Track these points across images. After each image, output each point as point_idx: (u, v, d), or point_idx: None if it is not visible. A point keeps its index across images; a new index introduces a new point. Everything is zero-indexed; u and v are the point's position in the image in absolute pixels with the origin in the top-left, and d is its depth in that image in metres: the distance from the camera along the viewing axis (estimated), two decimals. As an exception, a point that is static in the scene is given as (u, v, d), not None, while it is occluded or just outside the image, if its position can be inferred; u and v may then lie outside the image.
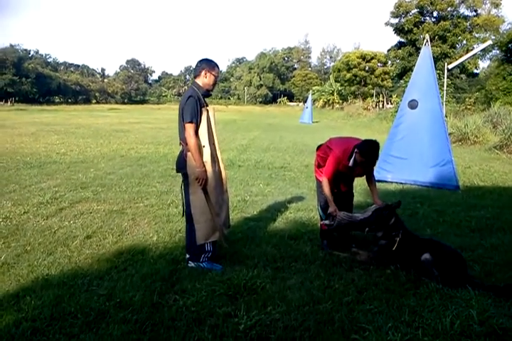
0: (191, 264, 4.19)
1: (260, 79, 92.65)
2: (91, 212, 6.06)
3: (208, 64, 4.22)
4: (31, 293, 3.53)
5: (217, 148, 4.29)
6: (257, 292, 3.59)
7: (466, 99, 29.63)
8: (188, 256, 4.26)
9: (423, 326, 3.05)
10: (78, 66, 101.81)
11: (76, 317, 3.15)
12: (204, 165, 4.03)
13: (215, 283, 3.70)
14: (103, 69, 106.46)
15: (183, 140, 4.10)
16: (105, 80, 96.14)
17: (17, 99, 66.36)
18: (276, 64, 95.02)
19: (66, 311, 3.21)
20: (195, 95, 4.08)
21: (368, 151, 4.39)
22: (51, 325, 3.03)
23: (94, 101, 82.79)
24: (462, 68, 40.05)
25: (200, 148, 4.03)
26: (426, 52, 8.62)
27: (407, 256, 4.13)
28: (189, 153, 4.03)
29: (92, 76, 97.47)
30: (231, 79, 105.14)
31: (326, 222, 4.58)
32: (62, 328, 3.00)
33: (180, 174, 4.29)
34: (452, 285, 3.71)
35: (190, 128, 3.99)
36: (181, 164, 4.16)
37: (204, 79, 4.20)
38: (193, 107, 4.01)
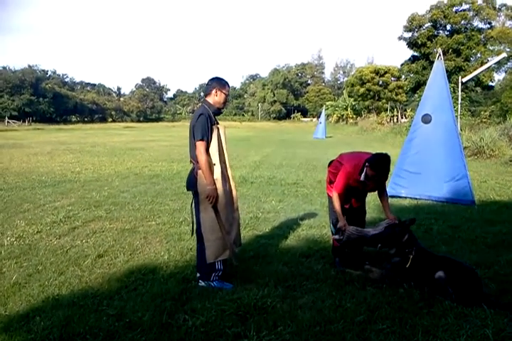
0: (202, 283, 4.16)
1: (274, 95, 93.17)
2: (103, 231, 6.08)
3: (218, 82, 4.25)
4: (41, 313, 3.52)
5: (227, 166, 4.28)
6: (267, 311, 3.54)
7: (482, 112, 29.36)
8: (198, 275, 4.23)
9: (437, 347, 2.98)
10: (94, 85, 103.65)
11: (85, 337, 3.13)
12: (214, 183, 4.03)
13: (225, 303, 3.66)
14: (119, 88, 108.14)
15: (194, 158, 4.11)
16: (121, 99, 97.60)
17: (34, 118, 67.60)
18: (289, 80, 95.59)
19: (75, 332, 3.20)
20: (206, 113, 4.10)
21: (378, 164, 4.35)
22: (60, 346, 3.02)
23: (110, 119, 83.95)
24: (477, 81, 39.89)
25: (210, 165, 4.03)
26: (439, 65, 8.59)
27: (421, 274, 4.06)
28: (200, 171, 4.04)
29: (108, 95, 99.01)
30: (245, 96, 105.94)
31: (336, 236, 4.53)
32: (71, 349, 2.98)
33: (191, 192, 4.28)
34: (467, 304, 3.63)
35: (201, 145, 4.00)
36: (192, 182, 4.16)
37: (215, 98, 4.22)
38: (204, 125, 4.02)
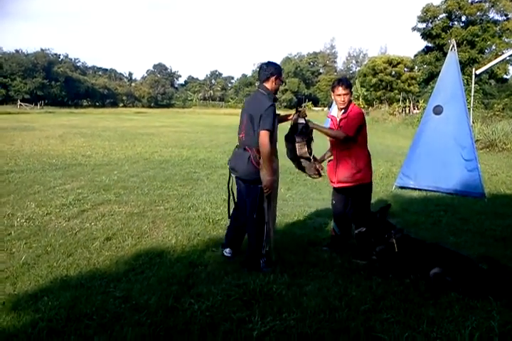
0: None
1: (285, 83, 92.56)
2: (112, 214, 6.12)
3: (277, 69, 4.21)
4: (49, 293, 3.57)
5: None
6: (272, 298, 3.55)
7: (495, 105, 29.06)
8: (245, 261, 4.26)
9: (441, 337, 2.98)
10: (106, 70, 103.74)
11: (92, 318, 3.17)
12: (274, 174, 4.07)
13: (230, 288, 3.69)
14: (130, 74, 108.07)
15: (251, 146, 4.10)
16: (132, 84, 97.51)
17: (46, 102, 67.75)
18: (301, 69, 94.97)
19: (82, 312, 3.23)
20: (274, 103, 4.07)
21: (337, 81, 4.71)
22: (67, 326, 3.06)
23: (121, 104, 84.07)
24: (491, 73, 39.35)
25: (272, 156, 4.04)
26: (452, 57, 8.47)
27: (415, 266, 4.06)
28: (261, 161, 4.03)
29: (120, 80, 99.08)
30: (256, 84, 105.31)
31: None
32: (78, 329, 3.02)
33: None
34: (469, 291, 3.65)
35: (266, 136, 3.98)
36: (251, 171, 4.10)
37: (273, 85, 4.21)
38: (273, 115, 4.02)
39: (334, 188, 4.93)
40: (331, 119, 4.93)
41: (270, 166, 4.01)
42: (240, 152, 4.21)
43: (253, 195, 4.15)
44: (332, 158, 4.89)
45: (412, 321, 3.21)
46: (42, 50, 76.00)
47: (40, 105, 62.72)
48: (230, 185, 4.49)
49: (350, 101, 4.72)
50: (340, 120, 4.70)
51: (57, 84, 70.57)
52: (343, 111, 4.70)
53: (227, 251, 4.53)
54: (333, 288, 3.79)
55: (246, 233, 4.43)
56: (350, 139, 4.57)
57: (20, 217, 5.82)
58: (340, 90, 4.61)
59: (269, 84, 4.19)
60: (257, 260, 4.19)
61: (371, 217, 4.40)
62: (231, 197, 4.56)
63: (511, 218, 6.35)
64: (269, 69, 4.18)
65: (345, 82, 4.70)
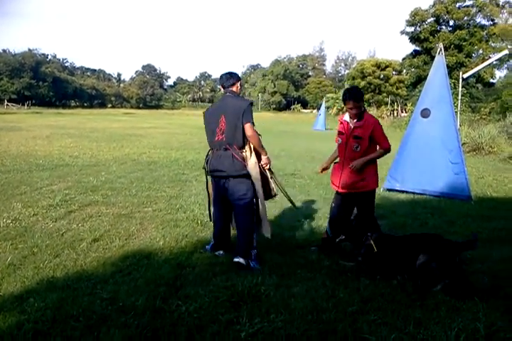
0: (240, 260, 4.27)
1: (274, 86, 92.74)
2: (99, 216, 6.08)
3: (239, 77, 4.75)
4: (35, 294, 3.53)
5: None
6: (260, 299, 3.55)
7: (482, 109, 29.39)
8: (238, 251, 4.40)
9: (428, 338, 3.00)
10: (95, 71, 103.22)
11: (78, 320, 3.14)
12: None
13: (218, 290, 3.68)
14: (119, 74, 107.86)
15: (231, 144, 4.41)
16: (121, 85, 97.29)
17: (34, 102, 67.37)
18: (290, 71, 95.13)
19: (68, 314, 3.21)
20: (252, 102, 4.63)
21: (346, 94, 4.71)
22: (53, 328, 3.03)
23: (109, 105, 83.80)
24: (478, 77, 39.83)
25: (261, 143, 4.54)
26: (440, 60, 8.54)
27: (401, 260, 4.13)
28: (244, 154, 4.43)
29: (108, 81, 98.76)
30: (245, 86, 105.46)
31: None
32: (64, 331, 2.99)
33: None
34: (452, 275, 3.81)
35: (252, 127, 4.39)
36: (237, 167, 4.40)
37: (238, 89, 4.68)
38: (252, 111, 4.48)
39: (337, 192, 4.97)
40: (342, 123, 4.91)
41: (263, 148, 4.57)
42: (221, 153, 4.45)
43: (244, 189, 4.43)
44: (338, 160, 4.97)
45: (399, 322, 3.22)
46: (29, 49, 75.64)
47: (28, 105, 62.31)
48: (209, 188, 4.83)
49: (364, 110, 4.78)
50: (355, 128, 4.72)
51: (44, 85, 70.17)
52: (356, 119, 4.73)
53: (220, 253, 4.68)
54: (320, 289, 3.79)
55: (230, 231, 4.82)
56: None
57: (6, 217, 5.76)
58: (350, 104, 4.67)
59: (235, 89, 4.64)
60: (248, 252, 4.37)
61: (347, 225, 4.56)
62: (211, 200, 4.85)
63: (497, 220, 6.42)
64: (235, 77, 4.67)
65: (354, 95, 4.71)
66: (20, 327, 3.01)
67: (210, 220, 4.93)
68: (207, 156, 4.67)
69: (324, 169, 5.19)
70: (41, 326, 3.04)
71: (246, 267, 4.24)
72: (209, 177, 4.73)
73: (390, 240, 4.37)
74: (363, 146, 4.71)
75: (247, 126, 4.34)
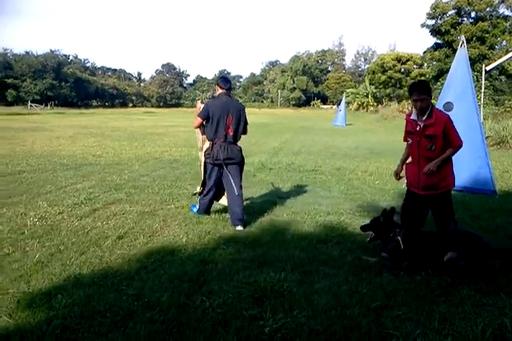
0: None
1: (294, 82, 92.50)
2: (123, 213, 6.16)
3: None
4: (63, 291, 3.61)
5: None
6: (283, 295, 3.57)
7: (506, 102, 28.75)
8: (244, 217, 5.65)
9: (453, 334, 2.97)
10: (115, 70, 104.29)
11: (105, 316, 3.20)
12: None
13: (241, 285, 3.71)
14: (139, 74, 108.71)
15: (236, 140, 5.72)
16: (141, 84, 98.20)
17: (56, 102, 68.39)
18: (309, 67, 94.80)
19: (95, 310, 3.27)
20: None
21: (409, 87, 4.69)
22: (80, 324, 3.09)
23: (130, 104, 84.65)
24: (502, 69, 39.03)
25: None
26: (462, 53, 8.41)
27: (430, 255, 4.15)
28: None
29: (129, 80, 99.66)
30: (264, 83, 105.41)
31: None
32: (91, 327, 3.05)
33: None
34: (480, 269, 3.88)
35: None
36: (242, 157, 5.78)
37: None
38: None
39: (413, 193, 4.84)
40: (409, 122, 4.75)
41: None
42: (232, 146, 5.65)
43: (241, 171, 5.86)
44: (411, 160, 4.86)
45: (423, 318, 3.21)
46: (51, 51, 76.79)
47: (50, 106, 63.32)
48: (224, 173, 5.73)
49: (431, 106, 4.59)
50: (426, 127, 4.54)
51: (66, 85, 71.19)
52: (426, 116, 4.55)
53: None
54: (343, 285, 3.79)
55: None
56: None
57: (32, 216, 5.88)
58: (414, 95, 4.54)
59: (229, 92, 5.81)
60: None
61: (375, 222, 4.51)
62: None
63: (523, 215, 6.31)
64: (230, 82, 5.93)
65: (419, 86, 4.60)
66: (49, 323, 3.08)
67: (200, 194, 6.05)
68: (212, 147, 5.59)
69: (399, 173, 5.05)
70: (69, 322, 3.10)
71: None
72: (208, 165, 5.74)
73: (418, 236, 4.37)
74: (438, 145, 4.52)
75: (247, 127, 5.83)
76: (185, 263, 4.27)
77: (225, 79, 5.87)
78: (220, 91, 5.77)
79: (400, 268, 4.14)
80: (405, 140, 4.92)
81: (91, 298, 3.46)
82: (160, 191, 7.71)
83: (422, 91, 4.52)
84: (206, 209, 6.02)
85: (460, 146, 4.62)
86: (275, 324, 3.08)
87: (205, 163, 5.82)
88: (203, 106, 5.76)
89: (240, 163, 5.76)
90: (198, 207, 6.08)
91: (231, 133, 5.59)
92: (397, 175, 5.08)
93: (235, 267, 4.17)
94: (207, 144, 5.74)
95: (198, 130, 6.00)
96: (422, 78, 52.84)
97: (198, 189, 6.11)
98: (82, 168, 10.11)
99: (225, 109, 5.56)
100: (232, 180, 5.63)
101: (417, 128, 4.62)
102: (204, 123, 5.71)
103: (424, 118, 4.56)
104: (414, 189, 4.80)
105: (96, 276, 3.93)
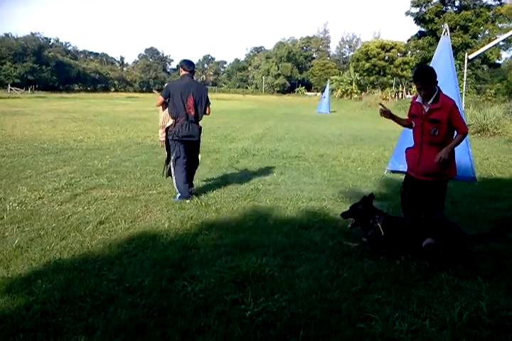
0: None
1: (278, 68, 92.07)
2: (105, 199, 6.12)
3: None
4: (43, 276, 3.58)
5: None
6: (265, 279, 3.59)
7: (487, 90, 29.05)
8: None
9: (431, 317, 3.03)
10: (97, 54, 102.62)
11: (85, 300, 3.19)
12: None
13: (223, 270, 3.72)
14: (122, 58, 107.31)
15: (197, 119, 6.11)
16: (124, 69, 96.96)
17: (37, 86, 67.16)
18: (294, 53, 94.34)
19: (76, 295, 3.25)
20: None
21: (414, 74, 4.65)
22: (61, 308, 3.07)
23: (112, 89, 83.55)
24: (484, 58, 39.34)
25: None
26: (445, 41, 8.43)
27: (408, 241, 4.22)
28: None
29: (111, 64, 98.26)
30: (249, 69, 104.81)
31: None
32: (72, 311, 3.04)
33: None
34: (458, 256, 3.98)
35: (210, 108, 6.35)
36: (200, 134, 6.19)
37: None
38: None
39: (411, 178, 4.79)
40: (415, 105, 4.69)
41: None
42: (193, 125, 6.03)
43: (199, 146, 6.35)
44: (414, 145, 4.77)
45: (402, 301, 3.26)
46: (32, 33, 75.30)
47: (31, 90, 62.12)
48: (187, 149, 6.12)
49: (437, 91, 4.52)
50: (431, 111, 4.48)
51: (47, 69, 69.93)
52: (432, 100, 4.49)
53: (192, 189, 6.25)
54: (324, 269, 3.83)
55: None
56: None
57: (12, 201, 5.81)
58: (418, 84, 4.51)
59: (193, 74, 6.25)
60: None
61: (355, 208, 4.54)
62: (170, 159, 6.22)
63: (501, 201, 6.43)
64: (194, 64, 6.32)
65: (421, 75, 4.54)
66: (28, 308, 3.06)
67: (163, 176, 6.47)
68: (174, 124, 5.98)
69: (384, 112, 4.91)
70: (49, 307, 3.08)
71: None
72: (171, 142, 6.08)
73: (397, 222, 4.44)
74: (441, 130, 4.45)
75: (208, 108, 6.24)
76: (167, 248, 4.27)
77: (188, 62, 6.26)
78: (183, 72, 6.19)
79: (379, 253, 4.19)
80: (408, 121, 4.86)
81: (71, 283, 3.44)
82: (142, 176, 7.67)
83: (425, 80, 4.47)
84: (187, 188, 6.11)
85: (466, 133, 4.58)
86: (256, 308, 3.10)
87: (167, 140, 6.13)
88: (165, 85, 6.35)
89: (199, 140, 6.22)
90: (178, 192, 6.08)
91: (192, 113, 5.98)
92: (383, 112, 4.94)
93: (217, 252, 4.18)
94: (170, 122, 6.08)
95: (160, 109, 6.37)
96: (406, 66, 53.14)
97: (164, 168, 6.38)
98: (63, 153, 9.97)
99: (187, 89, 5.96)
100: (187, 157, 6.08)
101: (422, 112, 4.57)
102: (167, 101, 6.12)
103: (429, 102, 4.52)
104: (412, 173, 4.76)
105: (76, 261, 3.90)
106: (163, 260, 3.94)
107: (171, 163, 6.14)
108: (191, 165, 6.22)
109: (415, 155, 4.69)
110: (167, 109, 6.18)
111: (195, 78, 6.39)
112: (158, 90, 6.07)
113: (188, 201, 5.95)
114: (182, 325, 2.90)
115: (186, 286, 3.45)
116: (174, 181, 6.11)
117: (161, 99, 6.19)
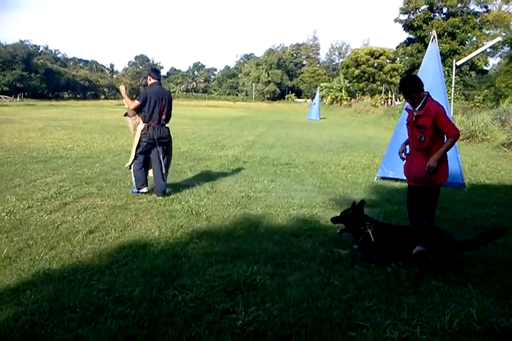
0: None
1: (268, 75, 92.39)
2: (94, 207, 6.08)
3: None
4: (32, 287, 3.54)
5: None
6: (256, 288, 3.58)
7: (475, 97, 29.34)
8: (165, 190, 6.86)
9: (421, 324, 3.04)
10: (87, 62, 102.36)
11: (75, 311, 3.15)
12: None
13: (214, 279, 3.70)
14: (112, 65, 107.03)
15: (167, 122, 6.87)
16: (114, 76, 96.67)
17: (26, 94, 66.78)
18: (284, 60, 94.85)
19: (65, 305, 3.22)
20: None
21: (399, 84, 4.82)
22: (50, 319, 3.04)
23: (102, 96, 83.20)
24: (472, 65, 39.72)
25: None
26: (433, 48, 8.53)
27: (398, 248, 4.22)
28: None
29: (101, 72, 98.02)
30: (239, 76, 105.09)
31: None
32: (61, 322, 3.01)
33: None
34: (448, 263, 4.01)
35: None
36: (170, 137, 6.93)
37: None
38: None
39: (408, 184, 4.99)
40: (408, 112, 4.82)
41: None
42: (164, 128, 6.76)
43: (171, 148, 7.08)
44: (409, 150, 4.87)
45: (393, 309, 3.27)
46: (21, 41, 74.82)
47: (20, 97, 61.74)
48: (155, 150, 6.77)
49: (424, 98, 4.60)
50: (418, 117, 4.58)
51: (37, 76, 69.59)
52: (419, 106, 4.58)
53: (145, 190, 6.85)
54: (315, 277, 3.83)
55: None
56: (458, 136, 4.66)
57: (0, 210, 5.74)
58: (402, 94, 4.71)
59: (160, 81, 7.03)
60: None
61: (345, 214, 4.55)
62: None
63: (490, 207, 6.47)
64: (160, 73, 7.14)
65: (405, 87, 4.63)
66: (17, 319, 3.03)
67: (130, 168, 6.90)
68: (148, 128, 6.58)
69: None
70: (38, 318, 3.05)
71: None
72: (143, 143, 6.64)
73: (388, 229, 4.44)
74: (427, 135, 4.52)
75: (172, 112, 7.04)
76: (158, 257, 4.25)
77: (155, 71, 7.16)
78: (152, 80, 6.86)
79: (370, 260, 4.20)
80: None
81: (61, 294, 3.41)
82: (132, 184, 7.61)
83: (407, 91, 4.59)
84: (145, 181, 6.90)
85: (457, 135, 4.63)
86: (247, 317, 3.09)
87: (140, 140, 6.66)
88: (141, 91, 6.98)
89: (169, 142, 6.93)
90: (135, 184, 6.85)
91: (163, 117, 6.75)
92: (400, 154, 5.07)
93: (208, 261, 4.17)
94: (141, 127, 6.65)
95: (129, 120, 6.90)
96: (395, 73, 53.55)
97: (130, 161, 6.85)
98: (53, 161, 9.91)
99: (160, 95, 6.69)
100: (161, 157, 6.75)
101: (413, 119, 4.67)
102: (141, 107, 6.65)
103: (417, 108, 4.61)
104: (407, 180, 4.91)
105: (66, 271, 3.87)
106: (153, 269, 3.92)
107: (135, 160, 6.81)
108: (153, 163, 6.91)
109: (408, 161, 4.83)
110: (132, 117, 6.84)
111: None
112: (126, 87, 6.45)
113: (144, 190, 6.84)
114: (173, 335, 2.88)
115: (177, 296, 3.44)
116: (133, 175, 6.89)
117: (137, 103, 6.63)
